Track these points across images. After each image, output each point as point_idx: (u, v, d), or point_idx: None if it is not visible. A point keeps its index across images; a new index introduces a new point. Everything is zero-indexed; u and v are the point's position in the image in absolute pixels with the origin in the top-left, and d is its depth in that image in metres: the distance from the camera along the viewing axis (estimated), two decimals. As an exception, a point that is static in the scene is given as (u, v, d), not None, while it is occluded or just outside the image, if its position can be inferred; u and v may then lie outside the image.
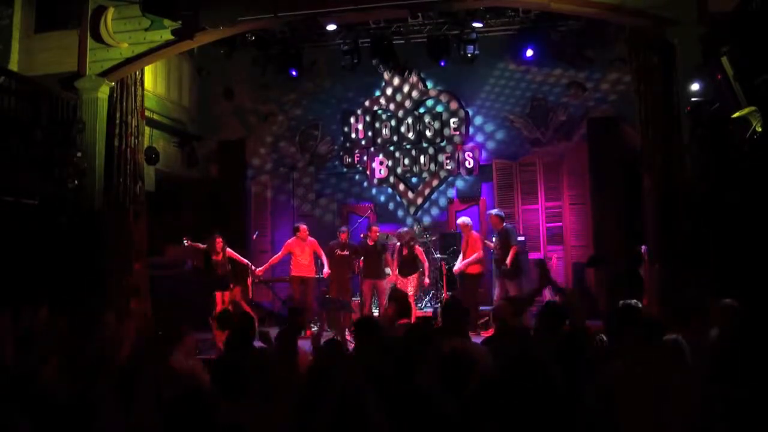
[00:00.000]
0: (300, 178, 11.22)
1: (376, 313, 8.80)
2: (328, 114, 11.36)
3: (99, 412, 3.11)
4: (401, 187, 10.96)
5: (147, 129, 8.73)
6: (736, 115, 5.48)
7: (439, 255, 9.50)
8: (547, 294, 9.75)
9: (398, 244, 8.75)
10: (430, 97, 10.95)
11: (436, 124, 10.68)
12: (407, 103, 10.97)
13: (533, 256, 9.75)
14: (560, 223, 10.11)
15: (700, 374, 3.41)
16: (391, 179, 10.90)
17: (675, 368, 3.40)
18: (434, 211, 10.89)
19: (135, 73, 8.04)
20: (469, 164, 10.44)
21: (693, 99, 6.18)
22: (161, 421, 2.73)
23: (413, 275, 8.63)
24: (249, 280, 9.19)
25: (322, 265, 8.76)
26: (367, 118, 11.01)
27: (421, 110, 10.90)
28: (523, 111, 10.47)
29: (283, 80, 10.75)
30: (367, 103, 11.14)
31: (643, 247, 7.57)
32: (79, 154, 7.29)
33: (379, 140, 10.94)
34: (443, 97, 10.83)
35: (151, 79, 9.57)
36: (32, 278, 6.44)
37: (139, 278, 7.76)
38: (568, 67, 10.14)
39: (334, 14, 7.43)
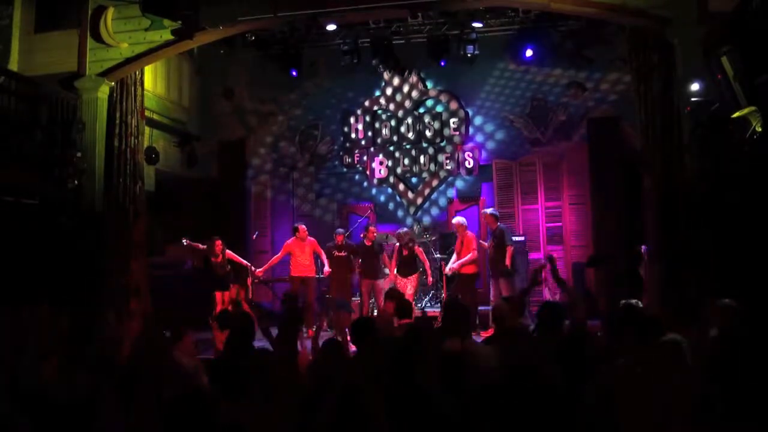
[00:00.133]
0: (300, 178, 11.22)
1: (376, 312, 8.81)
2: (328, 114, 11.36)
3: (99, 412, 3.11)
4: (401, 187, 10.97)
5: (147, 129, 8.73)
6: (736, 115, 5.47)
7: (439, 255, 9.51)
8: (547, 293, 9.79)
9: (398, 244, 8.76)
10: (430, 97, 10.95)
11: (436, 124, 10.68)
12: (407, 103, 10.97)
13: (533, 256, 9.76)
14: (560, 223, 10.10)
15: (700, 374, 3.41)
16: (391, 179, 10.91)
17: (675, 368, 3.40)
18: (434, 211, 10.90)
19: (135, 73, 8.03)
20: (469, 164, 10.44)
21: (693, 99, 6.18)
22: (161, 421, 2.73)
23: (413, 275, 8.64)
24: (249, 281, 9.19)
25: (323, 265, 8.78)
26: (367, 118, 11.01)
27: (421, 110, 10.90)
28: (523, 111, 10.47)
29: (283, 80, 10.74)
30: (367, 103, 11.14)
31: (643, 247, 7.57)
32: (79, 154, 7.28)
33: (379, 140, 10.94)
34: (443, 97, 10.83)
35: (151, 79, 9.56)
36: (32, 278, 6.44)
37: (139, 278, 7.76)
38: (568, 67, 10.14)
39: (334, 14, 7.42)
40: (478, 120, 10.71)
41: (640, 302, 5.38)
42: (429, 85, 10.94)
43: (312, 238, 8.80)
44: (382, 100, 11.11)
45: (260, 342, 5.27)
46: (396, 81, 10.96)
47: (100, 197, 7.53)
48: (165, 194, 9.75)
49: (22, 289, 6.23)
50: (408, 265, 8.64)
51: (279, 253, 8.91)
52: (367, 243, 8.72)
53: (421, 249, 8.81)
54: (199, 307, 8.11)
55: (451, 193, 10.82)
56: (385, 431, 2.76)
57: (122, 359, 4.76)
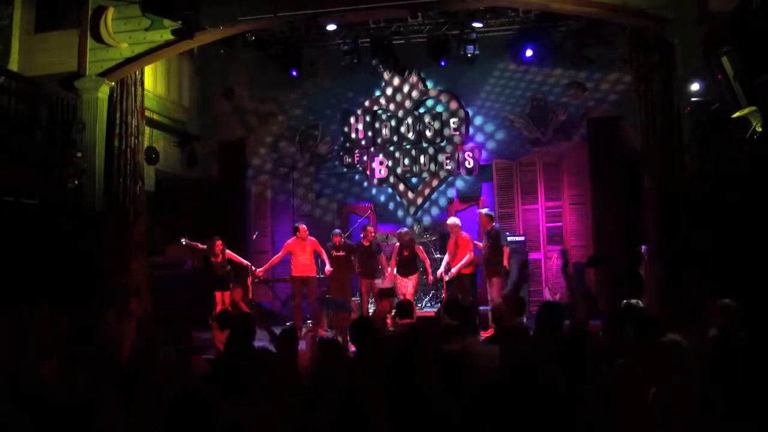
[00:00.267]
0: (300, 178, 11.22)
1: (372, 310, 8.83)
2: (328, 114, 11.36)
3: (99, 412, 3.11)
4: (401, 187, 10.97)
5: (147, 129, 8.73)
6: (736, 115, 5.47)
7: (438, 255, 9.51)
8: (547, 293, 9.80)
9: (398, 244, 8.77)
10: (430, 97, 10.95)
11: (436, 124, 10.68)
12: (407, 103, 10.97)
13: (533, 256, 9.78)
14: (560, 223, 10.10)
15: (700, 374, 3.41)
16: (391, 179, 10.91)
17: (675, 368, 3.40)
18: (434, 211, 10.89)
19: (135, 73, 8.03)
20: (469, 164, 10.44)
21: (693, 99, 6.18)
22: (161, 421, 2.73)
23: (413, 275, 8.65)
24: (249, 281, 9.19)
25: (323, 265, 8.78)
26: (367, 118, 11.01)
27: (421, 110, 10.90)
28: (523, 111, 10.46)
29: (283, 80, 10.74)
30: (367, 103, 11.14)
31: (643, 247, 7.57)
32: (79, 155, 7.28)
33: (379, 140, 10.94)
34: (443, 97, 10.83)
35: (151, 79, 9.56)
36: (32, 278, 6.44)
37: (139, 278, 7.76)
38: (568, 67, 10.14)
39: (334, 14, 7.42)
40: (478, 120, 10.71)
41: (640, 302, 5.38)
42: (429, 85, 10.94)
43: (313, 238, 8.81)
44: (382, 100, 11.11)
45: (260, 342, 5.27)
46: (396, 81, 10.95)
47: (100, 197, 7.53)
48: (165, 194, 9.75)
49: (22, 289, 6.23)
50: (408, 265, 8.65)
51: (280, 253, 8.91)
52: (366, 243, 8.74)
53: (421, 248, 8.82)
54: (199, 307, 8.11)
55: (452, 193, 10.82)
56: (385, 431, 2.76)
57: (122, 359, 4.76)
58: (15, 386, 3.73)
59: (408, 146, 10.84)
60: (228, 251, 8.35)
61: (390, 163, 10.85)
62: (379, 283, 8.72)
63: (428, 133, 10.71)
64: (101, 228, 7.40)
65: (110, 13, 7.64)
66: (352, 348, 4.71)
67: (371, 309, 8.89)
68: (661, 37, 6.70)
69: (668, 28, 6.53)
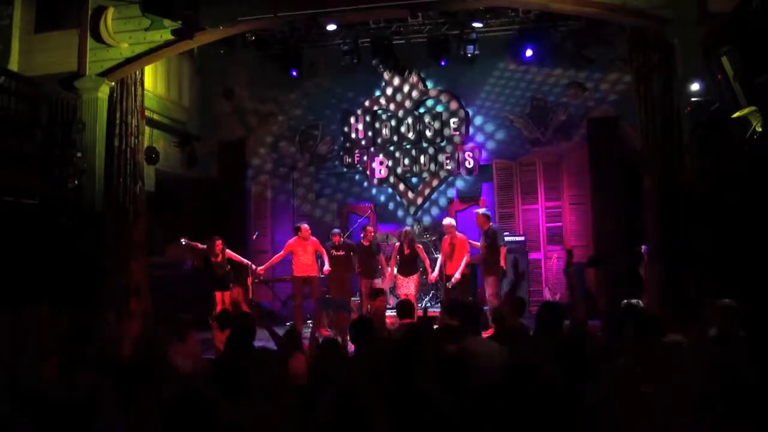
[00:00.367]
0: (300, 178, 11.21)
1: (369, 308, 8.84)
2: (328, 114, 11.36)
3: (99, 412, 3.11)
4: (401, 187, 10.97)
5: (147, 129, 8.72)
6: (736, 115, 5.47)
7: (439, 255, 9.49)
8: (547, 294, 9.80)
9: (398, 244, 8.77)
10: (430, 97, 10.95)
11: (436, 124, 10.68)
12: (407, 103, 10.97)
13: (533, 256, 9.78)
14: (560, 223, 10.11)
15: (700, 374, 3.41)
16: (391, 179, 10.91)
17: (675, 368, 3.40)
18: (434, 211, 10.89)
19: (135, 73, 8.03)
20: (469, 164, 10.44)
21: (693, 99, 6.18)
22: (161, 421, 2.73)
23: (414, 275, 8.65)
24: (249, 280, 9.19)
25: (323, 264, 8.78)
26: (367, 118, 11.01)
27: (421, 110, 10.90)
28: (523, 111, 10.46)
29: (283, 80, 10.74)
30: (367, 103, 11.14)
31: (643, 247, 7.57)
32: (79, 154, 7.28)
33: (379, 140, 10.94)
34: (443, 97, 10.83)
35: (151, 79, 9.56)
36: (32, 278, 6.44)
37: (139, 278, 7.76)
38: (568, 67, 10.14)
39: (334, 14, 7.42)
40: (478, 120, 10.71)
41: (640, 302, 5.39)
42: (429, 85, 10.93)
43: (314, 238, 8.80)
44: (382, 100, 11.11)
45: (260, 342, 5.27)
46: (396, 81, 10.95)
47: (100, 197, 7.53)
48: (165, 194, 9.75)
49: (22, 289, 6.23)
50: (409, 265, 8.65)
51: (281, 252, 8.90)
52: (365, 243, 8.74)
53: (421, 247, 8.82)
54: (199, 307, 8.11)
55: (452, 193, 10.82)
56: (385, 431, 2.76)
57: (122, 359, 4.75)
58: (15, 386, 3.73)
59: (408, 146, 10.84)
60: (228, 251, 8.35)
61: (390, 163, 10.85)
62: (379, 282, 8.72)
63: (428, 133, 10.71)
64: (101, 228, 7.40)
65: (110, 13, 7.64)
66: (351, 348, 4.72)
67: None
68: (660, 37, 6.69)
69: (668, 28, 6.53)
